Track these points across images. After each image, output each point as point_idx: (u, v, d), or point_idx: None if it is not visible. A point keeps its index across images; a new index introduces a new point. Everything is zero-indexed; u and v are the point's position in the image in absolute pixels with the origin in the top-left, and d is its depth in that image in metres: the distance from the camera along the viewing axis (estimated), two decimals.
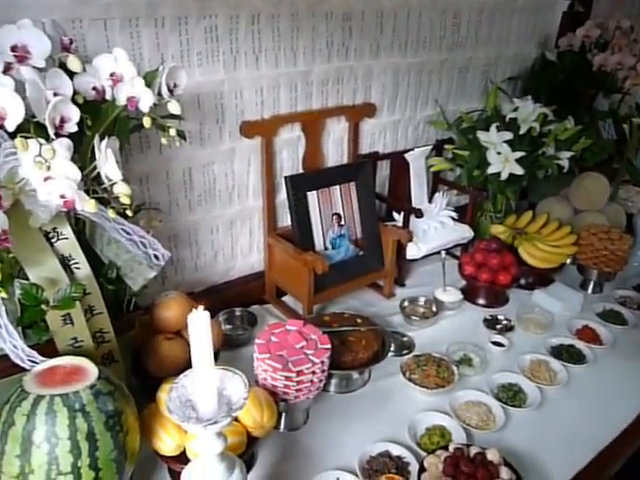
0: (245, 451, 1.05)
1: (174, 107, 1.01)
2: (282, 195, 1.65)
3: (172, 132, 1.02)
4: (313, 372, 1.15)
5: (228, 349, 1.47)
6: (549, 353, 1.54)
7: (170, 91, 1.02)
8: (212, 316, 1.49)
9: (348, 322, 1.43)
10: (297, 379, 1.13)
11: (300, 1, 1.51)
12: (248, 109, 1.53)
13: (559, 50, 2.24)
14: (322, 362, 1.16)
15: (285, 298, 1.74)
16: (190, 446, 1.02)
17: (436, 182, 2.05)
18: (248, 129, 1.52)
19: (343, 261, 1.68)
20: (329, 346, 1.20)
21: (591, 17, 2.41)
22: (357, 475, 1.10)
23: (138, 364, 1.22)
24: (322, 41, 1.61)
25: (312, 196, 1.61)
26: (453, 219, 1.94)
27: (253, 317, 1.60)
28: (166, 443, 1.03)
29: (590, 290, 1.90)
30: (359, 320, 1.45)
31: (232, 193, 1.60)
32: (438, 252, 1.84)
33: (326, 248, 1.65)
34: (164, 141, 1.04)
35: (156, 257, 1.09)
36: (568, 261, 1.88)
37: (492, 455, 1.08)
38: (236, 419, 1.05)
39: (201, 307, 0.79)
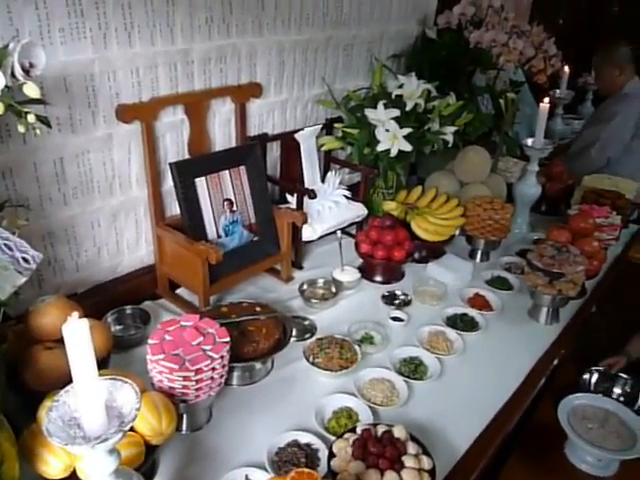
0: (144, 462, 0.98)
1: (31, 90, 0.89)
2: (169, 183, 1.55)
3: (31, 118, 0.90)
4: (213, 368, 1.09)
5: (120, 351, 1.37)
6: (445, 323, 1.60)
7: (26, 72, 0.90)
8: (99, 317, 1.38)
9: (247, 311, 1.38)
10: (196, 378, 1.06)
11: None
12: (124, 91, 1.40)
13: (439, 28, 2.29)
14: (222, 357, 1.11)
15: (180, 291, 1.65)
16: (80, 466, 0.92)
17: (328, 161, 2.04)
18: (125, 113, 1.40)
19: (238, 248, 1.62)
20: (228, 339, 1.14)
21: None
22: (267, 469, 1.07)
23: (15, 379, 1.10)
24: (201, 17, 1.52)
25: (201, 182, 1.53)
26: (347, 198, 1.94)
27: (145, 314, 1.50)
28: (52, 466, 0.93)
29: (478, 259, 1.99)
30: (258, 308, 1.41)
31: (113, 183, 1.47)
32: (334, 232, 1.83)
33: (219, 236, 1.58)
34: (21, 129, 0.92)
35: (25, 260, 0.97)
36: (457, 232, 1.95)
37: (398, 432, 1.09)
38: (132, 429, 0.97)
39: (76, 314, 0.70)
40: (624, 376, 1.68)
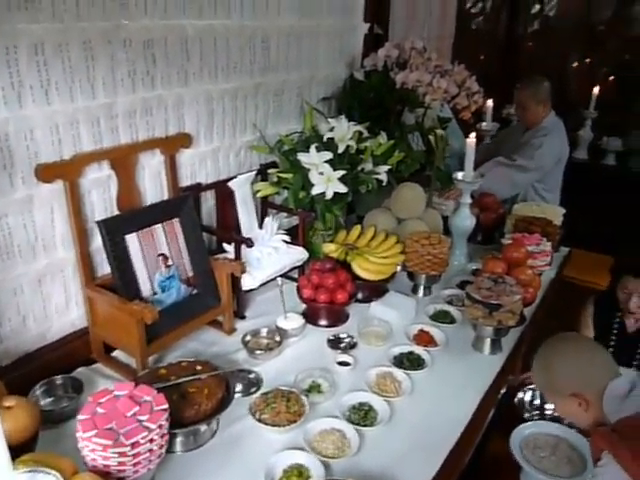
0: None
1: None
2: (98, 241, 1.48)
3: None
4: (151, 440, 1.02)
5: (51, 427, 1.27)
6: (392, 364, 1.58)
7: None
8: (27, 390, 1.29)
9: (187, 371, 1.32)
10: (132, 452, 1.00)
11: (92, 28, 1.38)
12: (43, 150, 1.35)
13: (366, 70, 2.35)
14: (160, 426, 1.05)
15: (116, 353, 1.57)
16: None
17: (264, 207, 2.02)
18: (45, 172, 1.33)
19: (176, 303, 1.56)
20: (166, 406, 1.08)
21: (389, 38, 2.57)
22: None
23: None
24: (123, 70, 1.49)
25: (132, 239, 1.47)
26: (286, 242, 1.92)
27: (78, 383, 1.40)
28: None
29: (421, 294, 2.01)
30: (199, 367, 1.35)
31: (36, 246, 1.40)
32: (275, 278, 1.80)
33: (155, 293, 1.52)
34: None
35: None
36: (398, 269, 1.97)
37: None
38: None
39: None
40: None
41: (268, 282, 1.80)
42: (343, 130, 1.92)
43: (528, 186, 2.75)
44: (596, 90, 4.22)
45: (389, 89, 2.26)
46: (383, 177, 2.00)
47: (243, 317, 1.79)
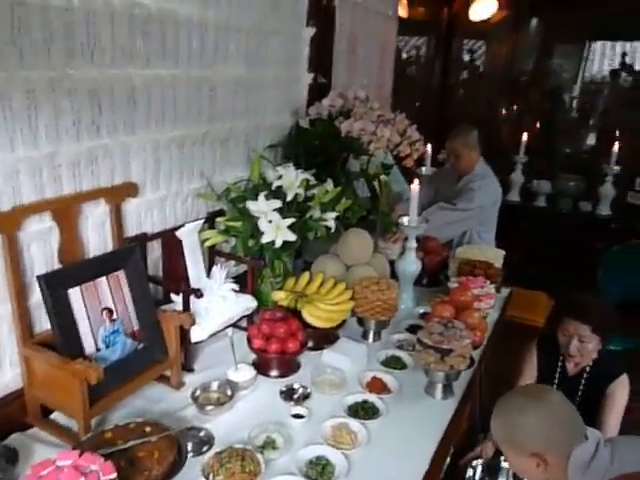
0: None
1: None
2: (37, 295, 1.40)
3: None
4: None
5: None
6: (347, 414, 1.56)
7: None
8: None
9: (135, 434, 1.26)
10: None
11: (36, 77, 1.34)
12: None
13: (311, 118, 2.40)
14: None
15: (55, 415, 1.47)
16: None
17: (212, 255, 1.99)
18: None
19: (121, 360, 1.49)
20: (114, 475, 1.02)
21: (333, 87, 2.64)
22: None
23: None
24: (68, 119, 1.45)
25: (74, 293, 1.40)
26: (234, 291, 1.89)
27: (12, 452, 1.30)
28: None
29: (371, 339, 2.01)
30: (148, 428, 1.28)
31: None
32: (225, 328, 1.76)
33: (99, 349, 1.45)
34: None
35: None
36: (348, 316, 1.97)
37: None
38: None
39: None
40: (505, 466, 1.74)
41: (217, 332, 1.76)
42: (291, 178, 1.94)
43: (469, 228, 2.84)
44: (525, 137, 4.48)
45: (334, 137, 2.31)
46: (331, 224, 2.02)
47: (191, 370, 1.72)
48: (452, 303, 1.92)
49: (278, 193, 1.90)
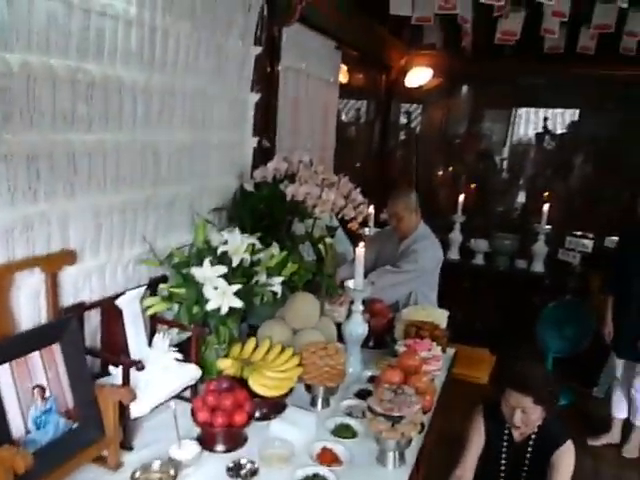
0: None
1: None
2: None
3: None
4: None
5: None
6: None
7: None
8: None
9: None
10: None
11: None
12: None
13: (256, 181, 2.41)
14: None
15: None
16: None
17: (154, 322, 1.91)
18: None
19: (53, 442, 1.38)
20: None
21: (277, 151, 2.68)
22: None
23: None
24: (2, 185, 1.39)
25: (3, 371, 1.30)
26: (178, 360, 1.81)
27: None
28: None
29: (319, 407, 1.96)
30: None
31: None
32: (167, 401, 1.67)
33: (28, 431, 1.33)
34: None
35: None
36: (296, 383, 1.92)
37: None
38: None
39: None
40: None
41: (159, 405, 1.67)
42: (237, 243, 1.91)
43: (414, 289, 2.89)
44: (461, 197, 4.67)
45: (280, 201, 2.32)
46: (277, 289, 2.00)
47: (131, 448, 1.61)
48: (400, 367, 1.91)
49: (223, 258, 1.87)
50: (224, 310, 1.78)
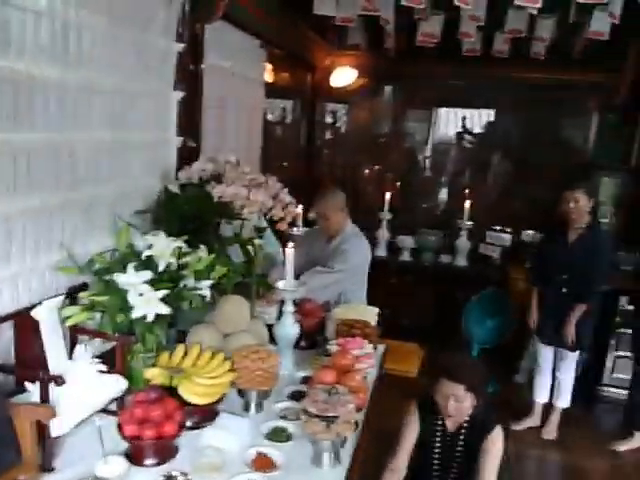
0: None
1: None
2: None
3: None
4: None
5: None
6: None
7: None
8: None
9: None
10: None
11: None
12: None
13: (181, 182, 2.33)
14: None
15: None
16: None
17: (75, 333, 1.80)
18: None
19: None
20: None
21: (203, 151, 2.62)
22: None
23: None
24: None
25: None
26: (102, 372, 1.72)
27: None
28: None
29: (253, 411, 1.92)
30: None
31: None
32: (91, 415, 1.58)
33: None
34: None
35: None
36: (228, 388, 1.87)
37: None
38: None
39: None
40: None
41: (83, 421, 1.58)
42: (162, 246, 1.84)
43: (344, 288, 2.90)
44: (387, 195, 4.76)
45: (206, 202, 2.26)
46: (206, 292, 1.94)
47: (51, 470, 1.51)
48: (334, 367, 1.91)
49: (148, 263, 1.80)
50: (150, 317, 1.71)
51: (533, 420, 3.66)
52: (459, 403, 1.93)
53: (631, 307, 3.76)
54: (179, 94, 2.46)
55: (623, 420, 3.59)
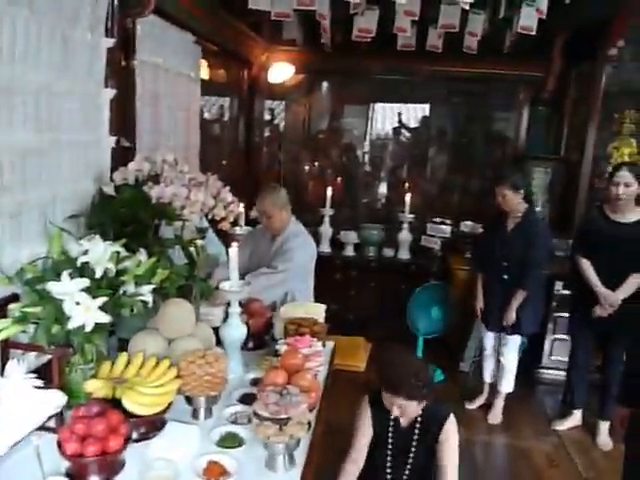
0: None
1: None
2: None
3: None
4: None
5: None
6: None
7: None
8: None
9: None
10: None
11: None
12: None
13: (116, 184, 2.23)
14: None
15: None
16: None
17: (6, 348, 1.69)
18: None
19: None
20: None
21: (138, 151, 2.51)
22: None
23: None
24: None
25: None
26: (38, 387, 1.61)
27: None
28: None
29: (202, 418, 1.86)
30: None
31: None
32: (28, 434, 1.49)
33: None
34: None
35: None
36: (175, 396, 1.81)
37: None
38: None
39: None
40: None
41: (19, 442, 1.47)
42: (99, 252, 1.76)
43: (290, 287, 2.87)
44: (329, 191, 4.76)
45: (144, 204, 2.17)
46: (148, 298, 1.86)
47: None
48: (284, 367, 1.88)
49: (85, 270, 1.71)
50: (89, 327, 1.63)
51: (485, 397, 3.81)
52: (403, 409, 1.95)
53: (566, 292, 3.93)
54: (111, 92, 2.35)
55: (562, 400, 3.74)
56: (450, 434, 2.00)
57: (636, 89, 4.66)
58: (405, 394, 1.91)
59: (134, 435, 1.66)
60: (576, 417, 3.62)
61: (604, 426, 3.43)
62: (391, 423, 2.03)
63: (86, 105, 2.19)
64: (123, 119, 2.48)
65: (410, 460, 2.02)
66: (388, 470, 2.05)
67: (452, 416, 2.03)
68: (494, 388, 3.76)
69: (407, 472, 2.03)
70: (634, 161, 4.21)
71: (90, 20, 2.16)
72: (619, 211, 3.22)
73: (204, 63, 3.70)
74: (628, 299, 3.20)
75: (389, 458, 2.05)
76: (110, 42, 2.30)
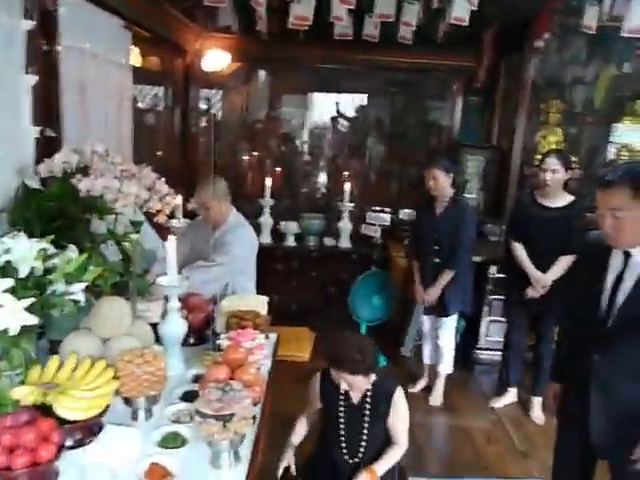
0: None
1: None
2: None
3: None
4: None
5: None
6: None
7: None
8: None
9: None
10: None
11: None
12: None
13: (41, 177, 2.10)
14: None
15: None
16: None
17: None
18: None
19: None
20: None
21: (65, 142, 2.38)
22: None
23: None
24: None
25: None
26: None
27: None
28: None
29: (142, 419, 1.80)
30: None
31: None
32: None
33: None
34: None
35: None
36: (112, 398, 1.73)
37: None
38: None
39: None
40: None
41: None
42: (23, 250, 1.65)
43: (230, 280, 2.82)
44: (268, 181, 4.71)
45: (73, 197, 2.05)
46: (80, 297, 1.76)
47: None
48: (226, 362, 1.84)
49: (8, 269, 1.60)
50: (15, 330, 1.52)
51: (426, 380, 3.91)
52: (351, 383, 1.95)
53: (501, 275, 4.06)
54: (32, 78, 2.20)
55: (498, 379, 3.88)
56: (399, 406, 2.04)
57: (561, 80, 4.86)
58: (349, 369, 1.92)
59: (69, 442, 1.57)
60: (512, 394, 3.76)
61: (537, 401, 3.59)
62: (341, 397, 2.03)
63: (4, 92, 2.05)
64: (47, 108, 2.33)
65: (364, 437, 2.03)
66: (344, 450, 2.05)
67: (399, 389, 2.06)
68: (434, 370, 3.85)
69: (362, 449, 2.04)
70: (561, 149, 4.41)
71: (5, 0, 2.01)
72: (548, 196, 3.35)
73: (136, 50, 3.55)
74: (557, 280, 3.35)
75: (343, 437, 2.05)
76: (29, 24, 2.15)
